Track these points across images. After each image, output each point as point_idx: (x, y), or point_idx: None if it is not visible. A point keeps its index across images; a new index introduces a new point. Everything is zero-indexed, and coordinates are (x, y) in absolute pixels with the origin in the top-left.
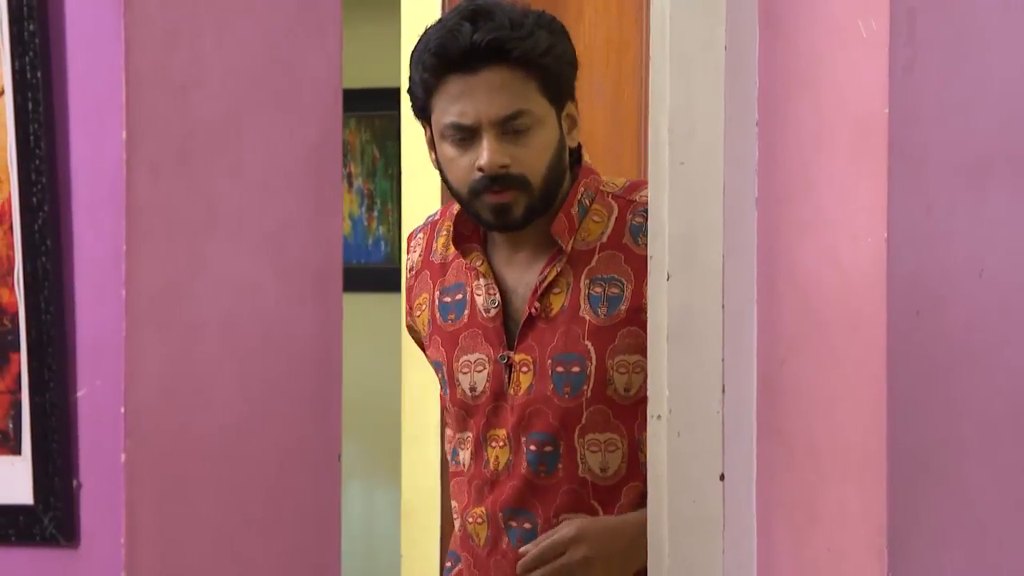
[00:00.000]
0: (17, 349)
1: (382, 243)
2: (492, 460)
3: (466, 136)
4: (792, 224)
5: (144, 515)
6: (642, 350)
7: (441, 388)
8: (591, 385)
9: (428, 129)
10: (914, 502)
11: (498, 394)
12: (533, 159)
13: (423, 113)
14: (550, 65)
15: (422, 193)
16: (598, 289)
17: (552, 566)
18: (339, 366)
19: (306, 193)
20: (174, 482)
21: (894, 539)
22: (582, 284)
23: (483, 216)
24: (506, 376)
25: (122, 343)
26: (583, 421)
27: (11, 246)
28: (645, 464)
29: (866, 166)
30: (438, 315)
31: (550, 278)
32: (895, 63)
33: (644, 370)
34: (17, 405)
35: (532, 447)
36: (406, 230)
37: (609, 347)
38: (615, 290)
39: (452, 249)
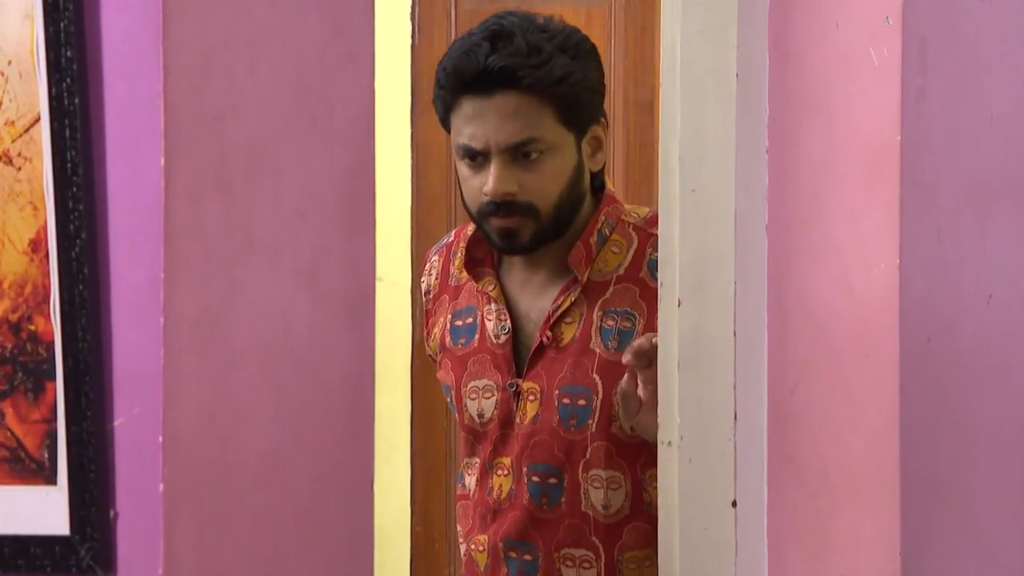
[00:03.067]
0: (53, 378)
1: None
2: (496, 488)
3: (477, 158)
4: (803, 250)
5: (182, 545)
6: None
7: (451, 411)
8: (596, 419)
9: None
10: (927, 527)
11: (505, 422)
12: (543, 186)
13: (445, 126)
14: (565, 93)
15: (394, 220)
16: (611, 322)
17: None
18: (372, 391)
19: (340, 219)
20: (212, 511)
21: (908, 564)
22: (595, 316)
23: (492, 238)
24: (514, 404)
25: (160, 371)
26: (587, 456)
27: (47, 274)
28: (651, 504)
29: (878, 193)
30: (448, 338)
31: (563, 307)
32: (907, 91)
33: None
34: (53, 435)
35: (535, 478)
36: (380, 259)
37: (617, 382)
38: (627, 324)
39: (465, 272)
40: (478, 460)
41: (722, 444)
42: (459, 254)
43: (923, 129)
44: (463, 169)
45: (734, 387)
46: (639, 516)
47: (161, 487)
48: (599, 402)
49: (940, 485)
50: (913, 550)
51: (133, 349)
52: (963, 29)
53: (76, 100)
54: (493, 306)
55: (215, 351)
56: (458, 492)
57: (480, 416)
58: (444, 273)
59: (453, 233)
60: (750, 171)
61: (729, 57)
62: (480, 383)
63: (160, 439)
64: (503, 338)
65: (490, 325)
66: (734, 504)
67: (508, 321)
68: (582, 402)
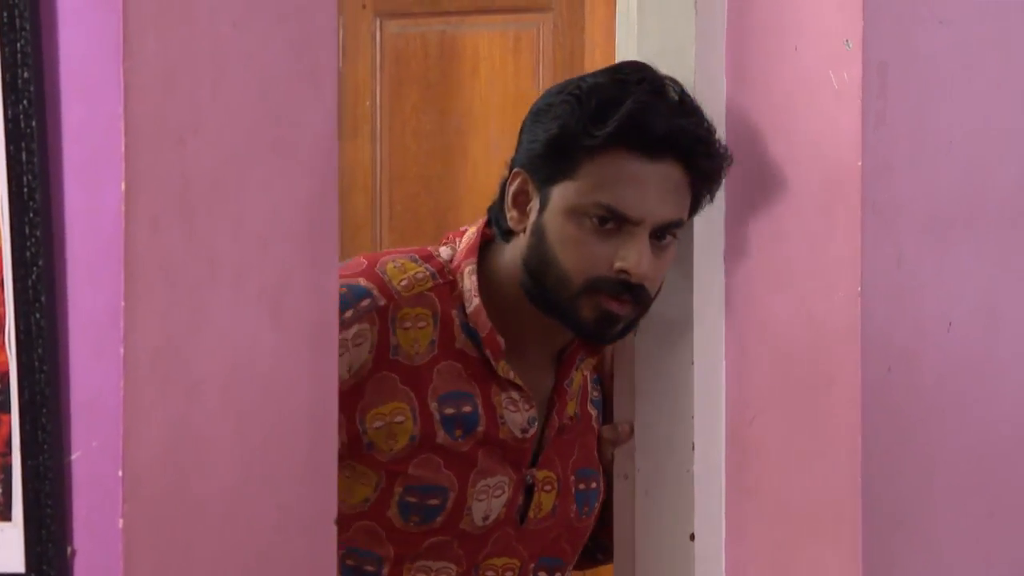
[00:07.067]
0: (8, 410)
1: None
2: None
3: (614, 225)
4: (762, 277)
5: None
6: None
7: (410, 516)
8: (600, 501)
9: (534, 183)
10: (889, 560)
11: (510, 520)
12: (660, 275)
13: (550, 164)
14: (716, 182)
15: None
16: (596, 393)
17: None
18: (334, 424)
19: (303, 246)
20: (173, 548)
21: None
22: (588, 387)
23: (581, 316)
24: (523, 497)
25: (120, 403)
26: (585, 542)
27: (2, 302)
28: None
29: (839, 218)
30: (441, 430)
31: (577, 382)
32: (867, 115)
33: None
34: (7, 469)
35: (542, 574)
36: None
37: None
38: (596, 394)
39: (437, 350)
40: (454, 567)
41: (680, 476)
42: (413, 325)
43: (883, 154)
44: (577, 230)
45: (692, 417)
46: None
47: (120, 523)
48: (602, 482)
49: (902, 517)
50: None
51: (92, 380)
52: (923, 53)
53: (33, 123)
54: (515, 394)
55: (177, 382)
56: None
57: (485, 519)
58: (382, 346)
59: (374, 291)
60: None
61: (687, 80)
62: (492, 481)
63: (120, 473)
64: (532, 431)
65: (514, 416)
66: (692, 537)
67: (534, 410)
68: (594, 485)
